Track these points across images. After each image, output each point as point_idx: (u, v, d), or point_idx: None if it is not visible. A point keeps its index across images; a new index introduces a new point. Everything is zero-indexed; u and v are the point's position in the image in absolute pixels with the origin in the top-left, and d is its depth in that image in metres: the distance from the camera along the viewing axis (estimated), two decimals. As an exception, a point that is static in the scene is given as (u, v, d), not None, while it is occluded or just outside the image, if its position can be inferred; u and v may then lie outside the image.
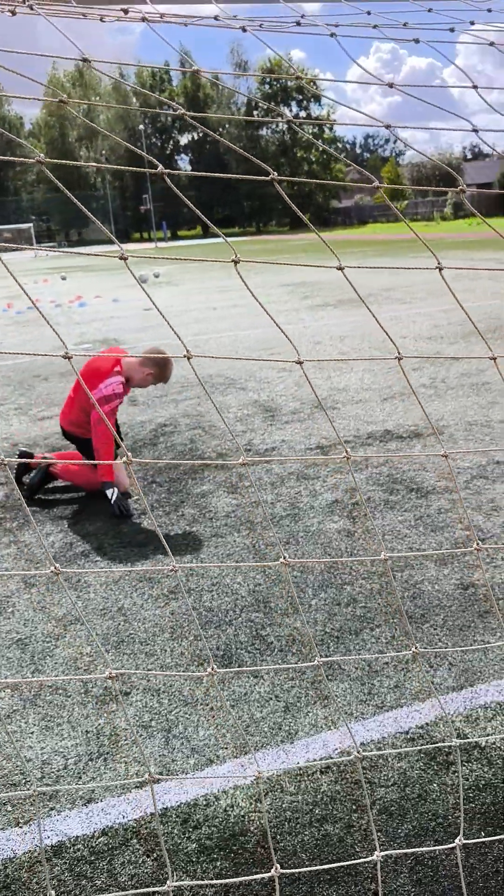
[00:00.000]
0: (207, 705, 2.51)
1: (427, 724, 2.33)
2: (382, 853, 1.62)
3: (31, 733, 2.43)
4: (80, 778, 2.22)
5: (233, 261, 1.24)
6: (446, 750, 2.21)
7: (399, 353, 1.55)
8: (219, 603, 3.17)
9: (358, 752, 1.31)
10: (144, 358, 4.47)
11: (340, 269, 1.48)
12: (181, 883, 1.73)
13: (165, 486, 4.57)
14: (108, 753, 2.31)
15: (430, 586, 3.17)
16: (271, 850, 1.81)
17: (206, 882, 1.81)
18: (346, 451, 1.47)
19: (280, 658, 2.75)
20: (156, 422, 6.07)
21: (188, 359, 1.16)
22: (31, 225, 52.32)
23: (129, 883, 1.85)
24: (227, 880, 1.81)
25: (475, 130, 1.85)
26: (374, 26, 2.05)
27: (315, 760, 2.20)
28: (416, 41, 2.16)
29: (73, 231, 74.72)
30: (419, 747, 2.22)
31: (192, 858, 1.91)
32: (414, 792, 2.07)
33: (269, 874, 1.32)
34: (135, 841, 1.97)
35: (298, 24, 2.13)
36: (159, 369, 4.48)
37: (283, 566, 1.28)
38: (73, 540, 3.91)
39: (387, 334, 1.53)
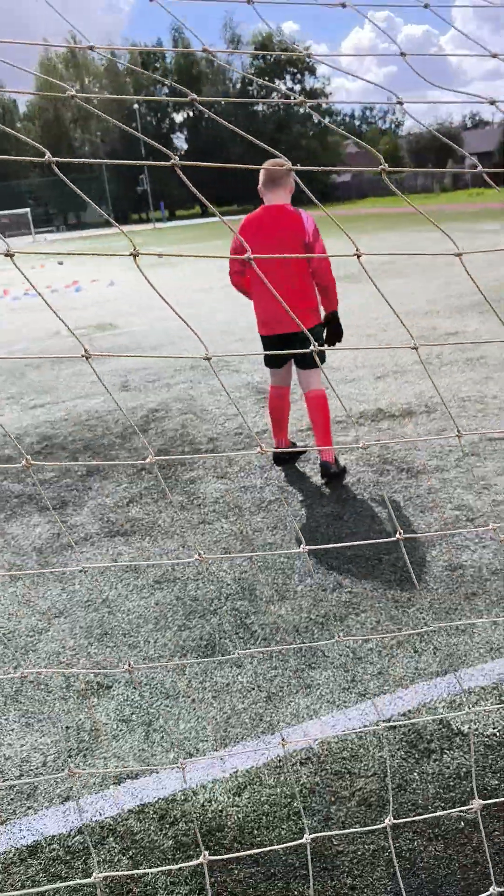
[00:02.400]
0: (189, 697, 2.48)
1: (409, 711, 2.30)
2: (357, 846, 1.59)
3: (12, 730, 2.41)
4: (58, 775, 2.19)
5: (131, 254, 1.17)
6: (427, 737, 2.17)
7: (415, 343, 1.49)
8: (204, 592, 3.13)
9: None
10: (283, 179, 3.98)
11: (358, 255, 1.39)
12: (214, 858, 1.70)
13: (154, 472, 4.53)
14: (87, 749, 2.29)
15: (418, 569, 3.13)
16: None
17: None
18: (363, 443, 1.41)
19: (264, 646, 2.71)
20: (147, 407, 6.02)
21: (86, 358, 1.10)
22: (27, 210, 51.92)
23: (104, 883, 1.83)
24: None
25: (492, 102, 1.76)
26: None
27: (295, 752, 2.17)
28: (427, 6, 2.05)
29: (72, 214, 74.27)
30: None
31: (168, 856, 1.88)
32: (394, 782, 2.03)
33: (197, 862, 1.28)
34: (111, 839, 1.95)
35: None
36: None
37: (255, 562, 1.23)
38: (59, 531, 3.88)
39: (407, 331, 1.46)
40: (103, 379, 7.15)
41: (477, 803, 1.16)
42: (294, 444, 4.64)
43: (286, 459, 4.44)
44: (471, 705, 2.28)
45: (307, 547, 1.17)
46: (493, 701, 2.29)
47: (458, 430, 1.25)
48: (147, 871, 1.45)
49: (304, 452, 4.51)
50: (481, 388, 5.54)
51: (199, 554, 1.11)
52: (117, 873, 1.47)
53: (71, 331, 0.99)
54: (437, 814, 1.65)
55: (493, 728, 2.19)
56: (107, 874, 1.40)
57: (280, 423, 4.36)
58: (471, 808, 1.10)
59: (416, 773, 2.05)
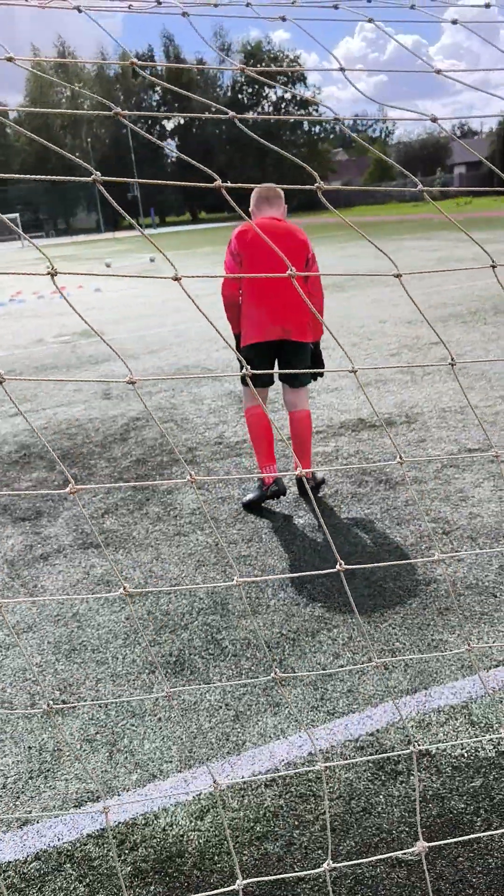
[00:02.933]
0: (155, 716, 2.43)
1: (378, 730, 2.26)
2: (321, 869, 1.54)
3: (-27, 750, 2.36)
4: (18, 798, 2.14)
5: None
6: (395, 759, 2.13)
7: (453, 359, 1.45)
8: (176, 606, 3.08)
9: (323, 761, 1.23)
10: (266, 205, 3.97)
11: (398, 276, 1.35)
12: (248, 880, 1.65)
13: (132, 482, 4.48)
14: (48, 771, 2.23)
15: (392, 583, 3.09)
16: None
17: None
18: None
19: (233, 663, 2.67)
20: (128, 415, 5.97)
21: (1, 382, 1.06)
22: (16, 215, 51.84)
23: (58, 912, 1.78)
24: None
25: (434, 120, 1.73)
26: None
27: (260, 774, 2.13)
28: (413, 6, 2.01)
29: (61, 220, 74.17)
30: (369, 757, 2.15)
31: (126, 883, 1.83)
32: (359, 805, 1.99)
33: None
34: (68, 866, 1.90)
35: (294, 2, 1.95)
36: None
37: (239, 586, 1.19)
38: (33, 542, 3.82)
39: (443, 343, 1.43)
40: (85, 387, 7.10)
41: (420, 845, 1.12)
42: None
43: (284, 491, 3.91)
44: (439, 725, 2.25)
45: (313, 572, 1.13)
46: (462, 721, 2.25)
47: (400, 457, 1.22)
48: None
49: (322, 484, 4.14)
50: (461, 398, 5.52)
51: (125, 587, 1.07)
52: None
53: (98, 334, 0.95)
54: (379, 856, 1.61)
55: (462, 749, 2.15)
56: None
57: (269, 447, 3.92)
58: (413, 851, 1.06)
59: (381, 796, 2.01)
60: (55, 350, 9.39)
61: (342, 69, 1.11)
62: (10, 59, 0.94)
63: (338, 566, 1.14)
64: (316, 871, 1.52)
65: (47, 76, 1.31)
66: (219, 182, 1.02)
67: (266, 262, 3.70)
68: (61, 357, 8.88)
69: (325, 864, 1.14)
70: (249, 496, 3.98)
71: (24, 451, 5.32)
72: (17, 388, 7.36)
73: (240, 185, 1.03)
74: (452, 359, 1.21)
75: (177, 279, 1.03)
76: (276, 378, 4.22)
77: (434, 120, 1.20)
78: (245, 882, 1.26)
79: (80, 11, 1.48)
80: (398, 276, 1.16)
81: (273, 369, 3.50)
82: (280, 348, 3.82)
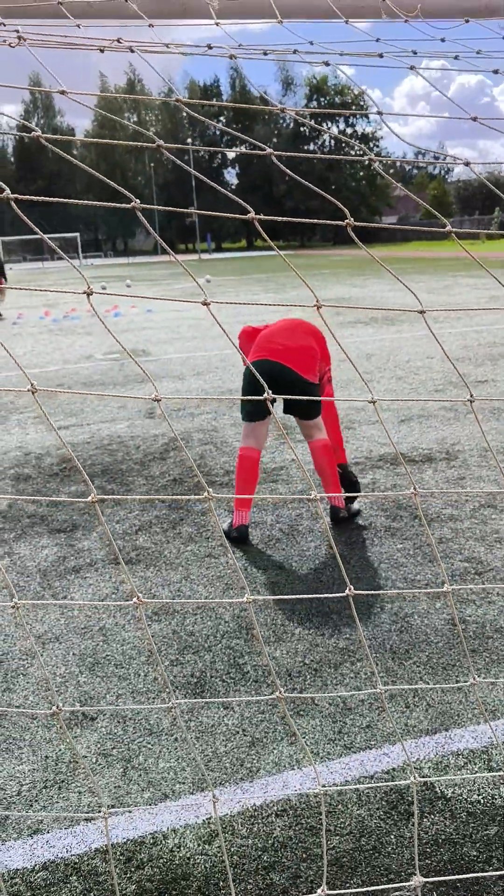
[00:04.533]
0: (172, 736, 2.43)
1: (394, 769, 2.23)
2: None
3: (-9, 755, 2.39)
4: (31, 806, 2.16)
5: (203, 303, 1.17)
6: (409, 799, 2.10)
7: (472, 396, 1.47)
8: (201, 627, 3.09)
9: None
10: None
11: (422, 312, 1.38)
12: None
13: (168, 501, 4.52)
14: (62, 782, 2.25)
15: (420, 620, 3.06)
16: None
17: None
18: (414, 487, 1.39)
19: (254, 689, 2.66)
20: (168, 435, 6.04)
21: (33, 392, 1.10)
22: (77, 234, 53.18)
23: (60, 923, 1.78)
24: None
25: (467, 164, 1.75)
26: (413, 52, 1.92)
27: (271, 801, 2.11)
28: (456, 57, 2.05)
29: (120, 241, 75.76)
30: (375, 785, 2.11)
31: (129, 901, 1.83)
32: (369, 843, 1.96)
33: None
34: (74, 878, 1.91)
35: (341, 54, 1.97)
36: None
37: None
38: (66, 553, 3.88)
39: (463, 380, 1.45)
40: (129, 405, 7.22)
41: (417, 880, 1.11)
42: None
43: (245, 538, 3.91)
44: (457, 768, 2.21)
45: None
46: (481, 766, 2.21)
47: (415, 487, 1.22)
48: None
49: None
50: (505, 438, 5.46)
51: (138, 597, 1.09)
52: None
53: (129, 352, 0.99)
54: (375, 888, 1.58)
55: (479, 794, 2.11)
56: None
57: (249, 490, 3.90)
58: (410, 885, 1.05)
59: (392, 836, 1.98)
60: (104, 367, 9.56)
61: (380, 112, 1.14)
62: (62, 93, 0.98)
63: (347, 591, 1.14)
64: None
65: (114, 101, 1.37)
66: (252, 214, 1.05)
67: (279, 335, 3.94)
68: (109, 374, 9.03)
69: (319, 890, 1.13)
70: (225, 526, 4.01)
71: (66, 465, 5.41)
72: (64, 403, 7.50)
73: (271, 217, 1.06)
74: (471, 396, 1.22)
75: (206, 304, 1.06)
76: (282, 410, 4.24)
77: (467, 164, 1.21)
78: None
79: (132, 51, 1.54)
80: (422, 312, 1.18)
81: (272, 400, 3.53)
82: (280, 378, 3.77)
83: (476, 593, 3.22)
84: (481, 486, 4.53)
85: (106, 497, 1.32)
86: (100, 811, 2.09)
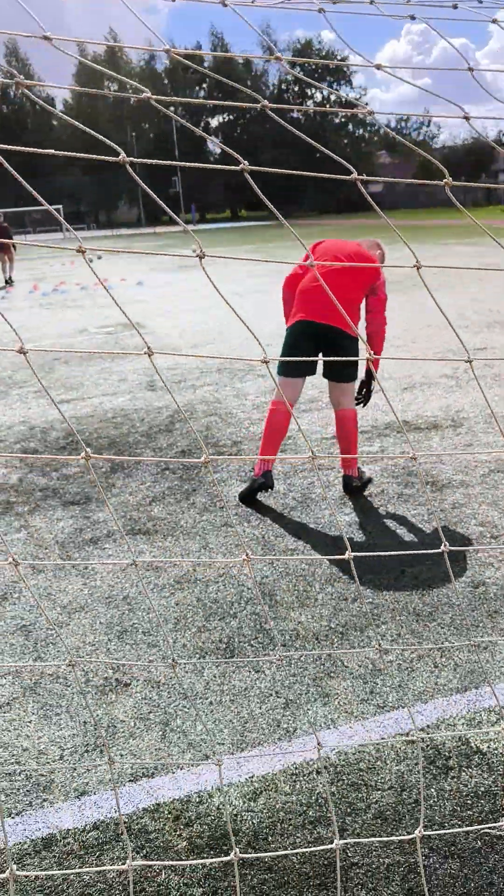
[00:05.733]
0: (207, 699, 2.48)
1: (429, 725, 2.28)
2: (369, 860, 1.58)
3: (30, 722, 2.42)
4: (75, 769, 2.20)
5: (198, 255, 1.17)
6: (446, 753, 2.16)
7: (469, 356, 1.48)
8: (224, 594, 3.13)
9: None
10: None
11: (418, 267, 1.38)
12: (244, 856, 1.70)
13: (179, 472, 4.54)
14: (104, 746, 2.29)
15: (441, 583, 3.11)
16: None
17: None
18: (413, 453, 1.41)
19: (283, 652, 2.71)
20: (172, 407, 6.04)
21: (149, 356, 1.11)
22: (60, 207, 52.42)
23: (117, 880, 1.83)
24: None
25: (466, 118, 1.75)
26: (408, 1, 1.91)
27: (312, 760, 2.17)
28: (455, 7, 2.03)
29: (103, 213, 74.79)
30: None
31: (182, 857, 1.88)
32: (410, 797, 2.02)
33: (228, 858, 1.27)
34: (125, 837, 1.95)
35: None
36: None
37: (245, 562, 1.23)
38: (82, 525, 3.90)
39: (463, 346, 1.46)
40: (130, 378, 7.19)
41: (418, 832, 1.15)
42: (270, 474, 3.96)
43: (272, 484, 3.93)
44: (490, 724, 2.26)
45: (352, 553, 1.17)
46: (513, 721, 2.27)
47: (414, 456, 1.24)
48: (177, 863, 1.45)
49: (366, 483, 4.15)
50: (509, 404, 5.49)
51: (134, 561, 1.11)
52: (150, 863, 1.47)
53: (135, 327, 1.00)
54: (466, 829, 1.63)
55: (513, 748, 2.17)
56: (141, 863, 1.40)
57: (276, 443, 3.90)
58: (500, 826, 1.09)
59: (433, 790, 2.04)
60: (99, 340, 9.50)
61: (379, 66, 1.14)
62: (46, 38, 0.98)
63: (347, 554, 1.17)
64: (404, 837, 1.55)
65: (93, 65, 1.35)
66: (245, 164, 1.04)
67: (326, 269, 3.82)
68: (105, 347, 8.98)
69: (416, 832, 1.17)
70: (243, 488, 4.05)
71: (71, 438, 5.41)
72: (63, 377, 7.47)
73: (262, 168, 1.06)
74: (469, 356, 1.24)
75: (200, 256, 1.06)
76: (318, 369, 4.28)
77: (466, 118, 1.22)
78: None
79: None
80: (418, 267, 1.19)
81: (313, 358, 3.56)
82: (323, 339, 3.83)
83: (494, 556, 3.27)
84: (490, 451, 4.57)
85: (96, 456, 1.34)
86: (152, 775, 2.13)
